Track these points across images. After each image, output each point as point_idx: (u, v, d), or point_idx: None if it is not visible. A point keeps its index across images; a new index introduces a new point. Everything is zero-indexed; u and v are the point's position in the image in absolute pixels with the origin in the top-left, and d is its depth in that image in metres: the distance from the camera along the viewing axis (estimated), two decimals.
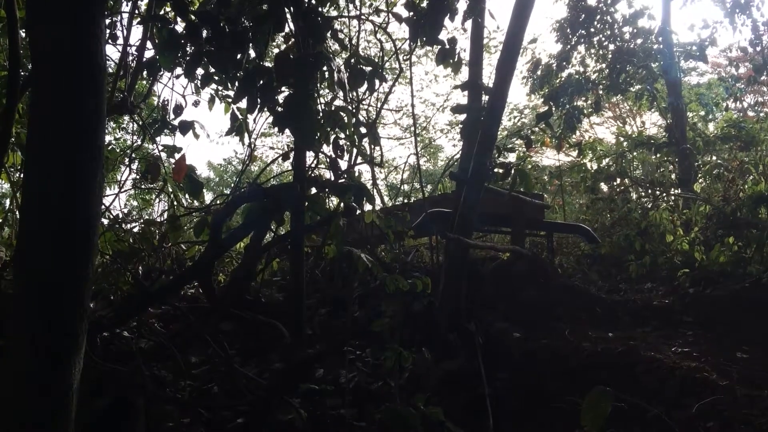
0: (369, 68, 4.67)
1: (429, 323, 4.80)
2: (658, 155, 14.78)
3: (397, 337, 3.99)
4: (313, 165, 4.92)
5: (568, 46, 16.04)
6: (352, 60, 4.59)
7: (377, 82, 4.79)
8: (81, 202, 2.35)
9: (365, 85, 4.66)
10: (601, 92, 15.88)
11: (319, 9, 3.58)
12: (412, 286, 3.95)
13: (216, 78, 5.47)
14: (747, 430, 3.41)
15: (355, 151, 4.30)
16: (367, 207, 4.35)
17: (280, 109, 4.81)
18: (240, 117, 5.61)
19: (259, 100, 5.01)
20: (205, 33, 4.57)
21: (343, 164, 4.71)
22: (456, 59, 5.19)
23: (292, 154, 5.05)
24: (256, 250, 5.26)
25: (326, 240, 5.07)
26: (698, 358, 4.56)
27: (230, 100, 5.77)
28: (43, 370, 2.21)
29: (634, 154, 15.53)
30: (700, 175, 11.85)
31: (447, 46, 5.11)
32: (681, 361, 4.31)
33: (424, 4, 4.90)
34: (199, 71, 4.84)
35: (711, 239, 6.77)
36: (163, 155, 5.61)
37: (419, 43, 5.01)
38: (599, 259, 7.85)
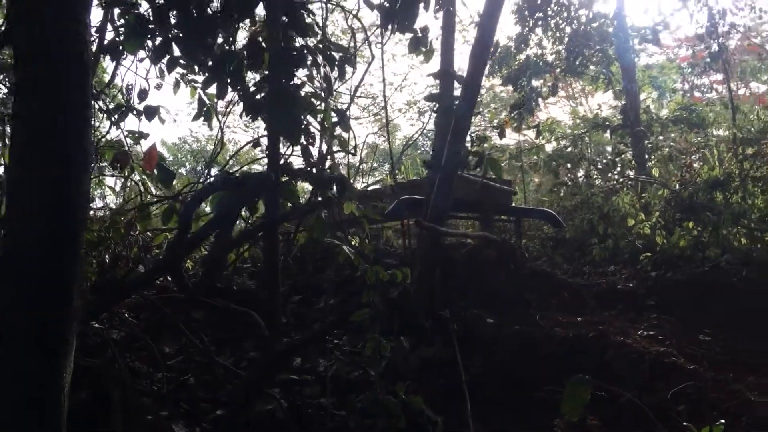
0: (339, 54, 4.64)
1: (404, 310, 4.83)
2: (613, 137, 15.15)
3: (377, 326, 4.01)
4: (286, 153, 4.87)
5: (526, 29, 16.14)
6: (321, 46, 4.54)
7: (348, 68, 4.78)
8: (69, 201, 2.28)
9: (336, 72, 4.65)
10: (558, 74, 16.13)
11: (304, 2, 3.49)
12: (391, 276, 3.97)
13: (182, 62, 5.35)
14: (716, 413, 3.56)
15: (328, 138, 4.27)
16: None
17: (257, 96, 4.75)
18: (207, 102, 5.51)
19: (229, 86, 4.95)
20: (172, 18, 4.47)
21: (314, 151, 4.70)
22: (428, 47, 5.20)
23: (265, 141, 4.98)
24: (226, 239, 5.19)
25: (298, 228, 5.05)
26: (664, 342, 4.73)
27: (196, 84, 5.66)
28: (35, 373, 2.16)
29: (589, 136, 15.88)
30: (653, 157, 12.21)
31: (420, 35, 5.10)
32: (649, 345, 4.46)
33: None
34: None
35: (670, 223, 6.99)
36: (129, 141, 5.46)
37: (391, 31, 4.98)
38: (562, 242, 8.02)
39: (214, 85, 4.71)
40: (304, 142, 4.70)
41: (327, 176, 3.66)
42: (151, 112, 5.39)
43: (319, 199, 4.44)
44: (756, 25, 13.79)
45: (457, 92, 5.29)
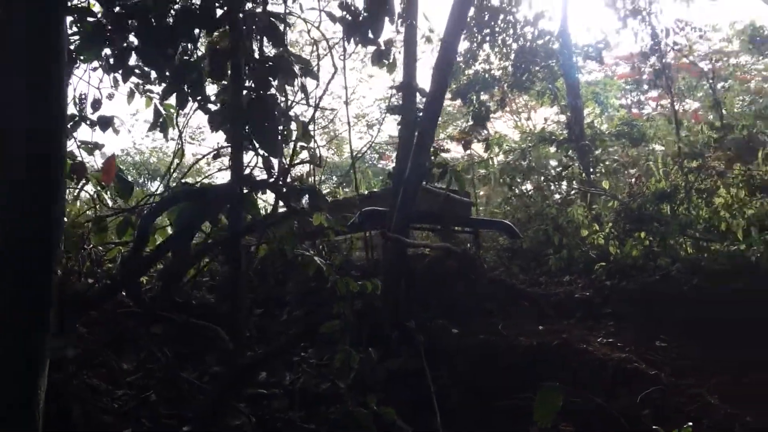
0: (299, 66, 4.62)
1: (370, 322, 4.82)
2: (559, 151, 15.57)
3: (347, 338, 3.99)
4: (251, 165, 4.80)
5: (475, 44, 16.41)
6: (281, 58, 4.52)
7: (309, 80, 4.76)
8: (43, 208, 2.20)
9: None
10: (505, 89, 16.49)
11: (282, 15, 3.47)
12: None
13: (137, 72, 5.24)
14: (679, 417, 3.67)
15: (299, 149, 4.25)
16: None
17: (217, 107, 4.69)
18: (164, 112, 5.42)
19: (189, 97, 4.87)
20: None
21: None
22: (391, 60, 5.24)
23: (229, 152, 4.90)
24: (185, 252, 5.08)
25: (261, 240, 4.98)
26: (623, 349, 4.86)
27: (152, 95, 5.56)
28: (8, 392, 2.07)
29: (537, 150, 16.25)
30: (598, 170, 12.58)
31: (383, 47, 5.14)
32: (611, 352, 4.57)
33: (357, 4, 4.89)
34: None
35: (622, 234, 7.21)
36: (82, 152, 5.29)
37: (354, 44, 5.00)
38: (518, 253, 8.16)
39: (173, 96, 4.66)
40: (266, 154, 4.67)
41: (299, 187, 3.62)
42: (104, 123, 5.26)
43: (285, 209, 4.41)
44: (690, 43, 14.40)
45: (420, 105, 5.34)
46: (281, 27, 3.70)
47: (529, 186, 11.06)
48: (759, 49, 17.28)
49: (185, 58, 4.65)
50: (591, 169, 12.28)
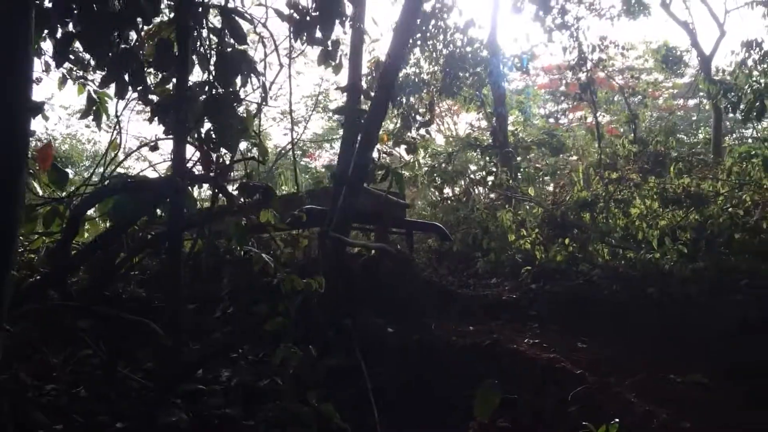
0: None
1: (309, 320, 4.85)
2: (483, 156, 16.05)
3: (291, 335, 4.01)
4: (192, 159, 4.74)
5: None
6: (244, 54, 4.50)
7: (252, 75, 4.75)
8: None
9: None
10: (434, 94, 16.82)
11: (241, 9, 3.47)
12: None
13: (72, 57, 5.10)
14: (602, 414, 3.91)
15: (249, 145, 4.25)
16: None
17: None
18: (97, 100, 5.29)
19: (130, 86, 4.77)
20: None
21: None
22: (338, 61, 5.29)
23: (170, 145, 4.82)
24: (117, 244, 4.96)
25: (200, 235, 4.94)
26: (549, 349, 5.11)
27: (86, 81, 5.43)
28: None
29: (464, 154, 16.70)
30: (520, 176, 13.07)
31: (330, 48, 5.18)
32: (539, 352, 4.81)
33: (304, 3, 4.92)
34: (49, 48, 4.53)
35: (547, 239, 7.54)
36: None
37: (302, 43, 5.03)
38: (446, 255, 8.38)
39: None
40: (205, 148, 4.63)
41: (253, 183, 3.63)
42: (34, 109, 5.05)
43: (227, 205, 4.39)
44: (611, 60, 15.21)
45: (364, 106, 5.42)
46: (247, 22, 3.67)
47: (456, 190, 11.34)
48: (671, 68, 18.42)
49: (126, 46, 4.56)
50: (514, 176, 12.76)
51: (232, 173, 4.72)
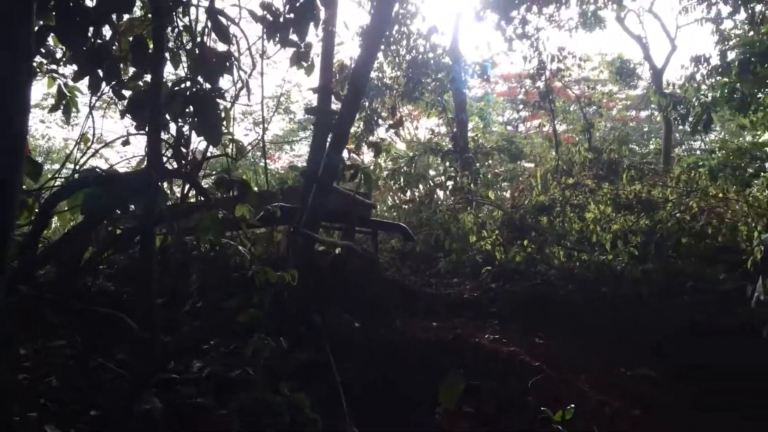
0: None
1: (280, 313, 4.97)
2: (444, 161, 16.35)
3: (263, 327, 4.14)
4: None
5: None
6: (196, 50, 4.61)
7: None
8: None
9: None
10: (396, 98, 17.07)
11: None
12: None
13: (42, 50, 5.13)
14: (559, 403, 4.15)
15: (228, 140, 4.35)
16: None
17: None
18: (68, 94, 5.33)
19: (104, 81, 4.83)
20: None
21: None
22: (310, 62, 5.44)
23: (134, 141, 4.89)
24: (86, 238, 5.01)
25: (173, 230, 5.01)
26: (509, 344, 5.34)
27: (56, 75, 5.45)
28: None
29: (416, 158, 16.94)
30: (480, 181, 13.39)
31: (302, 49, 5.32)
32: (501, 346, 5.04)
33: (278, 5, 5.06)
34: None
35: (506, 241, 7.81)
36: None
37: (274, 44, 5.15)
38: (409, 255, 8.58)
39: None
40: (176, 144, 4.72)
41: (230, 178, 3.75)
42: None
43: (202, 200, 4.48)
44: (569, 70, 15.68)
45: (334, 106, 5.58)
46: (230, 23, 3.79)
47: (418, 193, 11.57)
48: (624, 80, 19.08)
49: (100, 41, 4.62)
50: (474, 180, 13.08)
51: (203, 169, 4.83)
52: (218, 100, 3.54)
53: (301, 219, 5.30)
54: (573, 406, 3.56)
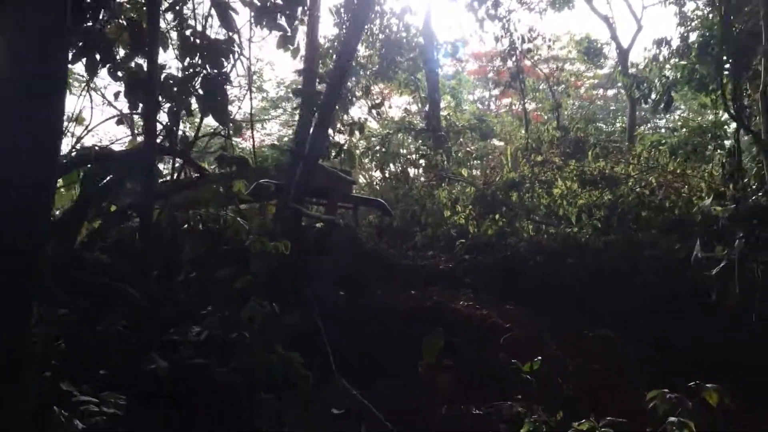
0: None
1: (271, 282, 5.32)
2: (417, 139, 16.75)
3: (258, 293, 4.49)
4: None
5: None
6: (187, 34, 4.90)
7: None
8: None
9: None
10: (369, 77, 17.36)
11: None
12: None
13: None
14: (526, 357, 4.60)
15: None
16: None
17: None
18: None
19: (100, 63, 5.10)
20: None
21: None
22: (295, 45, 5.75)
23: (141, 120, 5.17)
24: (84, 212, 5.30)
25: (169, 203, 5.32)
26: (482, 309, 5.79)
27: None
28: None
29: (389, 136, 17.30)
30: (452, 158, 13.82)
31: (288, 33, 5.63)
32: (475, 311, 5.48)
33: None
34: None
35: (477, 216, 8.26)
36: None
37: (260, 28, 5.46)
38: (387, 229, 8.97)
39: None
40: (168, 124, 5.02)
41: (230, 155, 4.07)
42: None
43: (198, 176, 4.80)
44: (538, 50, 16.13)
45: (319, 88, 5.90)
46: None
47: (393, 170, 11.96)
48: (592, 60, 19.61)
49: (98, 25, 4.87)
50: (447, 158, 13.50)
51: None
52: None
53: (289, 194, 5.64)
54: (540, 358, 4.02)
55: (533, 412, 3.79)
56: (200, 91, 3.92)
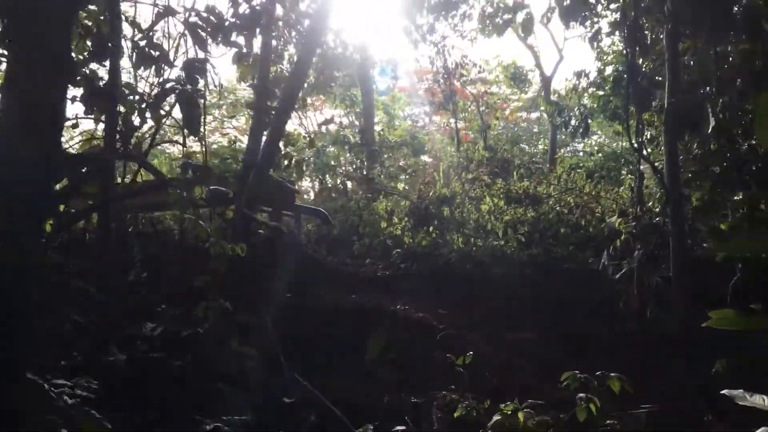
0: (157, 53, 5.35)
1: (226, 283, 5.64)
2: (352, 152, 17.22)
3: (214, 292, 4.83)
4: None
5: (281, 43, 17.30)
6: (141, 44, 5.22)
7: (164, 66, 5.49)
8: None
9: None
10: (306, 90, 17.72)
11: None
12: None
13: None
14: (459, 353, 5.13)
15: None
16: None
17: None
18: None
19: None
20: None
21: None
22: (250, 62, 6.14)
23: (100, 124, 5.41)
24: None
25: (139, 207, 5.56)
26: (418, 312, 6.30)
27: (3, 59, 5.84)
28: None
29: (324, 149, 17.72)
30: (384, 173, 14.38)
31: (244, 50, 6.01)
32: (412, 314, 5.98)
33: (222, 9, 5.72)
34: None
35: (412, 227, 8.81)
36: None
37: (216, 44, 5.81)
38: (325, 237, 9.39)
39: None
40: (123, 129, 5.32)
41: (194, 163, 4.41)
42: None
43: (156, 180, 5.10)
44: (469, 74, 16.97)
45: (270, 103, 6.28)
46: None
47: (329, 182, 12.38)
48: (517, 84, 20.74)
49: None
50: (381, 172, 14.05)
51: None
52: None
53: (242, 201, 5.98)
54: (470, 353, 4.54)
55: (465, 399, 4.31)
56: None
